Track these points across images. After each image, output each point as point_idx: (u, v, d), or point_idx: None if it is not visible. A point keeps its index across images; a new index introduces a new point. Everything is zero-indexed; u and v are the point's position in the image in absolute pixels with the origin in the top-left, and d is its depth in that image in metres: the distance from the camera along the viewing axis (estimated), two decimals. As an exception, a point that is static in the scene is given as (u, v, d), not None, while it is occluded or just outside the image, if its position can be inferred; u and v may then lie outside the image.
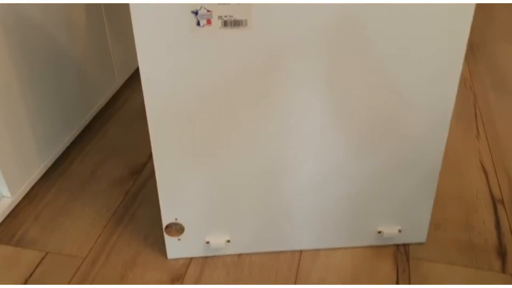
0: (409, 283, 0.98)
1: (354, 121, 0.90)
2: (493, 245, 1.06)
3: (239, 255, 1.04)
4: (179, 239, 1.01)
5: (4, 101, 1.07)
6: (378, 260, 1.03)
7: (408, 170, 0.96)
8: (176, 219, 0.98)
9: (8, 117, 1.09)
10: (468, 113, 1.51)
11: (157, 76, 0.83)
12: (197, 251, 1.03)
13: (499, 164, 1.30)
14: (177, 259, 1.03)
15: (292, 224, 1.01)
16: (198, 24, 0.79)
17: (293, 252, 1.05)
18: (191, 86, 0.84)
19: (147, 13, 0.77)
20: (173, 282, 0.99)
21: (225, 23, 0.79)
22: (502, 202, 1.17)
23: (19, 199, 1.17)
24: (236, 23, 0.80)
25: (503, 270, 1.01)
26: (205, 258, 1.04)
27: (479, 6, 2.25)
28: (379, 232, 1.04)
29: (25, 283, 0.98)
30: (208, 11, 0.78)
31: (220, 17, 0.79)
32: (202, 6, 0.78)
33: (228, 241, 1.02)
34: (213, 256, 1.04)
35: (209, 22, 0.79)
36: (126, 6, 1.51)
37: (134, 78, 1.66)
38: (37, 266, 1.02)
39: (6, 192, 1.13)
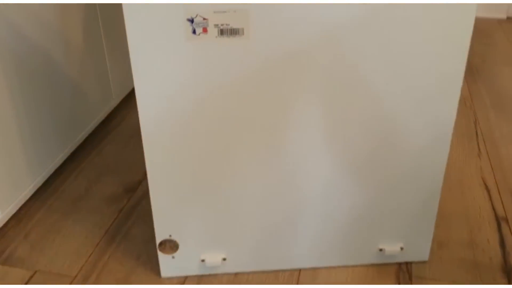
0: (413, 303, 0.94)
1: (355, 138, 0.88)
2: (498, 263, 1.03)
3: (236, 274, 1.00)
4: (173, 257, 0.97)
5: (-4, 116, 1.05)
6: (379, 279, 0.99)
7: (409, 186, 0.94)
8: (170, 235, 0.95)
9: (-1, 133, 1.07)
10: (469, 131, 1.49)
11: (151, 86, 0.81)
12: (192, 270, 0.99)
13: (501, 182, 1.27)
14: (171, 278, 0.99)
15: (291, 242, 0.98)
16: (194, 32, 0.78)
17: (292, 271, 1.01)
18: (185, 98, 0.82)
19: (141, 16, 0.76)
20: (166, 302, 0.95)
21: (221, 32, 0.78)
22: (506, 220, 1.14)
23: (8, 217, 1.14)
24: (233, 32, 0.78)
25: (510, 290, 0.97)
26: (200, 276, 1.00)
27: (478, 30, 2.27)
28: (381, 250, 1.00)
29: (12, 303, 0.94)
30: (204, 19, 0.77)
31: (216, 25, 0.77)
32: (198, 14, 0.77)
33: (224, 259, 0.98)
34: (209, 275, 1.00)
35: (205, 30, 0.78)
36: (125, 25, 1.51)
37: (131, 97, 1.65)
38: (25, 284, 0.98)
39: (-5, 209, 1.10)
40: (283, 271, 1.01)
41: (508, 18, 2.50)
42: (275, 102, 0.84)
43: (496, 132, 1.49)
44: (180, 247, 0.96)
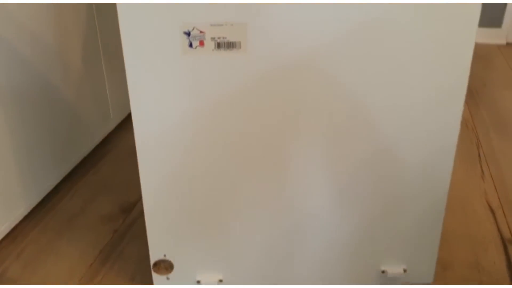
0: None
1: (355, 158, 0.86)
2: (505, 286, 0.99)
3: (233, 296, 0.97)
4: (167, 278, 0.94)
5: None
6: (382, 302, 0.96)
7: (412, 208, 0.91)
8: (164, 255, 0.92)
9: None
10: (471, 153, 1.47)
11: (146, 100, 0.80)
12: (187, 291, 0.96)
13: (506, 204, 1.24)
14: (165, 300, 0.96)
15: (291, 263, 0.95)
16: (191, 45, 0.77)
17: (290, 293, 0.97)
18: (181, 114, 0.81)
19: (137, 27, 0.75)
20: (160, 325, 0.91)
21: (218, 45, 0.77)
22: (512, 242, 1.11)
23: (1, 236, 1.11)
24: (230, 45, 0.77)
25: (518, 314, 0.93)
26: (196, 299, 0.96)
27: (478, 55, 2.28)
28: (383, 272, 0.97)
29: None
30: (201, 32, 0.76)
31: (213, 38, 0.77)
32: (194, 27, 0.76)
33: (221, 280, 0.95)
34: (204, 297, 0.96)
35: (201, 43, 0.77)
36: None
37: (130, 119, 1.64)
38: (14, 306, 0.94)
39: (-13, 228, 1.07)
40: (282, 293, 0.97)
41: (507, 43, 2.51)
42: (273, 116, 0.82)
43: (499, 154, 1.47)
44: (175, 267, 0.93)
